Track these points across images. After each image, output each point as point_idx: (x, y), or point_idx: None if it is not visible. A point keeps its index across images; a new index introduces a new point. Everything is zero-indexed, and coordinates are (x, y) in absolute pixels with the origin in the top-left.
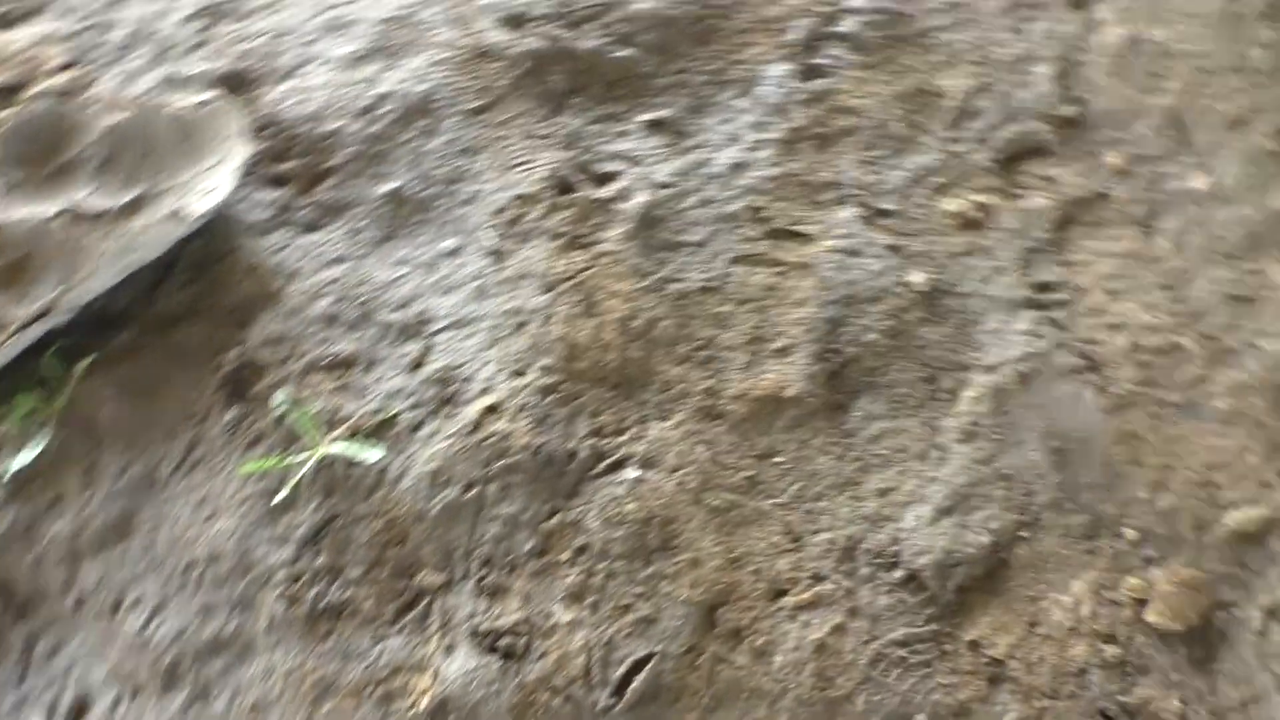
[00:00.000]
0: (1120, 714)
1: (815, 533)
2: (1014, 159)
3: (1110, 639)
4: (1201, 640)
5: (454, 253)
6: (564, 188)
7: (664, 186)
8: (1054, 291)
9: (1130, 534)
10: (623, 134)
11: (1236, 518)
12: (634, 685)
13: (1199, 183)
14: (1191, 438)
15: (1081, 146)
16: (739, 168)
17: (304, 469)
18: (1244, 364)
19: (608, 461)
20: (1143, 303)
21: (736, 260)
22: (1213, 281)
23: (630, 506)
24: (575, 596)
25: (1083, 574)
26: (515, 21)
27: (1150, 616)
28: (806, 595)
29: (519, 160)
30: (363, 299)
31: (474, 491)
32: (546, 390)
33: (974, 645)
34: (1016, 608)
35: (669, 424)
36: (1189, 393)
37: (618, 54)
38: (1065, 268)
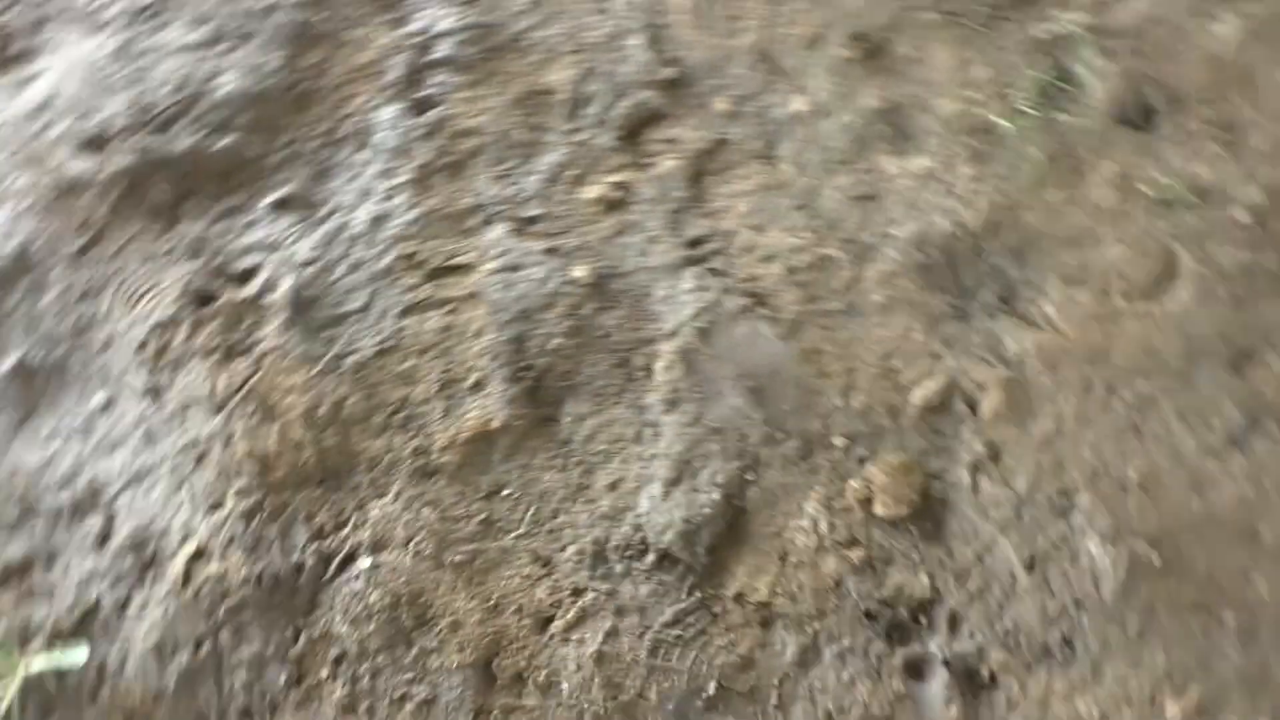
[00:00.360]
0: (881, 608)
1: (562, 549)
2: (635, 132)
3: (853, 543)
4: (927, 515)
5: (107, 407)
6: (203, 299)
7: (309, 264)
8: (706, 243)
9: (839, 441)
10: (250, 224)
11: (920, 394)
12: None
13: (800, 105)
14: (862, 336)
15: (691, 102)
16: (379, 221)
17: (5, 702)
18: (885, 255)
19: (337, 561)
20: (785, 228)
21: (404, 313)
22: (838, 189)
23: (374, 596)
24: (347, 709)
25: (810, 494)
26: (96, 144)
27: (878, 510)
28: (572, 614)
29: (146, 287)
30: (20, 492)
31: (207, 647)
32: (250, 513)
33: (739, 597)
34: (764, 547)
35: (388, 499)
36: (847, 296)
37: (219, 144)
38: (710, 218)
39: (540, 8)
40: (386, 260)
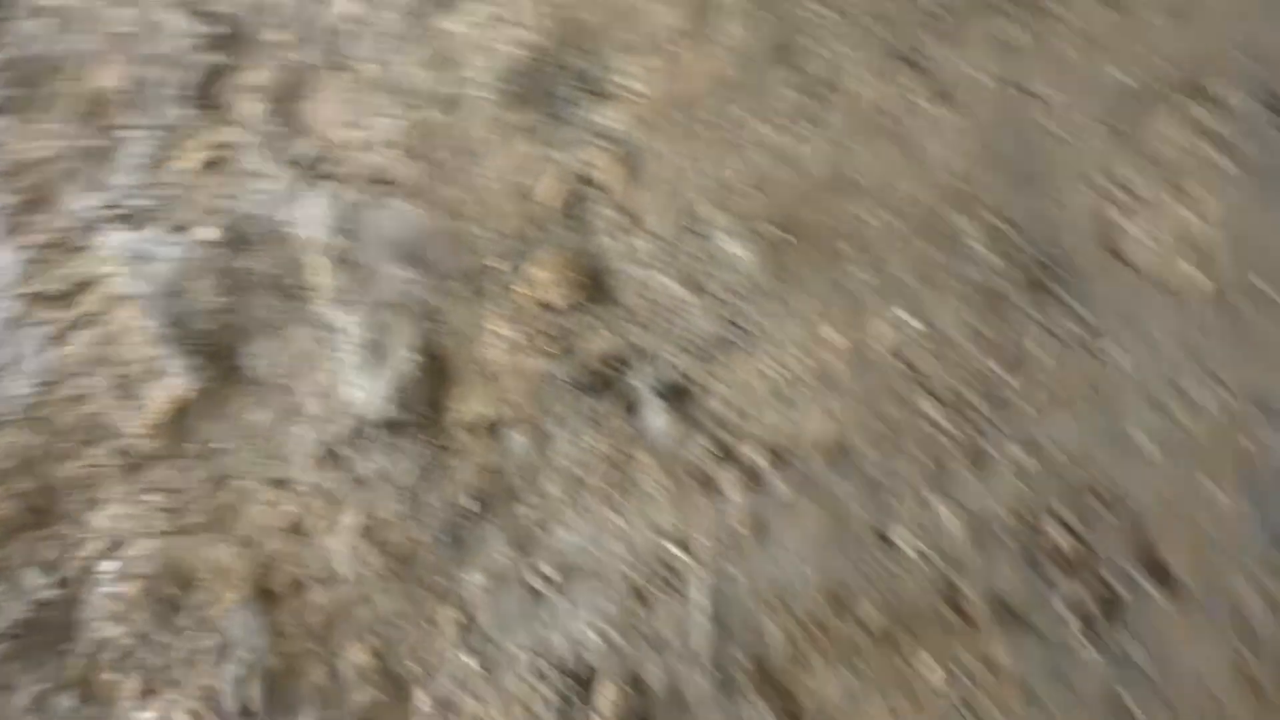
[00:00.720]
0: (587, 376)
1: (293, 464)
2: (208, 93)
3: (544, 338)
4: (597, 288)
5: None
6: None
7: None
8: (315, 158)
9: (497, 263)
10: None
11: (550, 195)
12: (255, 701)
13: (347, 6)
14: (484, 172)
15: (249, 46)
16: None
17: None
18: (477, 99)
19: (78, 582)
20: (380, 115)
21: (52, 344)
22: (414, 64)
23: (129, 589)
24: (148, 693)
25: (492, 317)
26: None
27: (555, 302)
28: (324, 510)
29: None
30: None
31: None
32: None
33: (468, 426)
34: (472, 377)
35: (107, 506)
36: (458, 146)
37: None
38: (310, 136)
39: (66, 25)
40: (11, 310)
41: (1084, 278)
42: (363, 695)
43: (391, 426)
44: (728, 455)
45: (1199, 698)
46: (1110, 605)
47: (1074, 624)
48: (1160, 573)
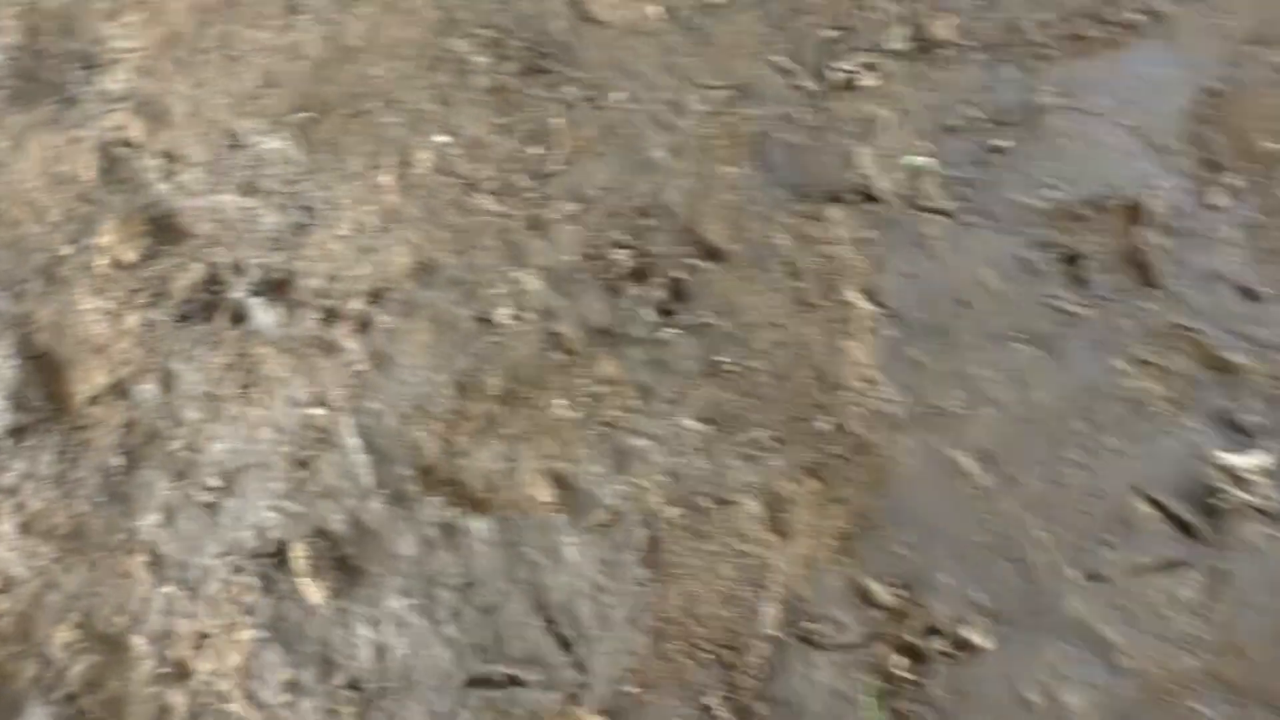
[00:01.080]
0: (188, 307)
1: None
2: None
3: (136, 292)
4: (166, 229)
5: None
6: None
7: None
8: None
9: (65, 249)
10: None
11: (81, 171)
12: None
13: None
14: (15, 174)
15: None
16: None
17: None
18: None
19: None
20: None
21: None
22: None
23: None
24: None
25: (82, 296)
26: None
27: (130, 259)
28: None
29: None
30: None
31: None
32: None
33: (91, 399)
34: (80, 357)
35: None
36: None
37: None
38: None
39: None
40: None
41: (571, 48)
42: (81, 665)
43: (17, 433)
44: (334, 316)
45: (769, 333)
46: (679, 293)
47: (658, 319)
48: (710, 250)
